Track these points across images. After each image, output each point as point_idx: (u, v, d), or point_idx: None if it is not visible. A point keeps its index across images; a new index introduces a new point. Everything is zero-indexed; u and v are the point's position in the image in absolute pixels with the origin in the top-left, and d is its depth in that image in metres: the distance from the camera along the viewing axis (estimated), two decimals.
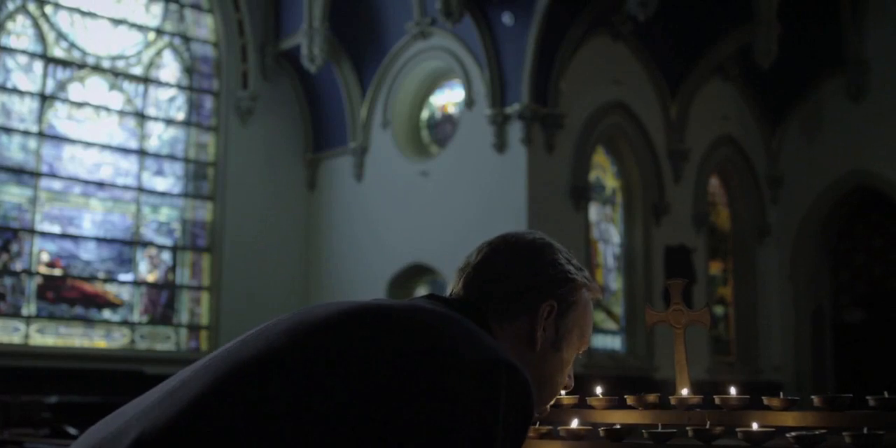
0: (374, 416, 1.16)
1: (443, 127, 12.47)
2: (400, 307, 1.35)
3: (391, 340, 1.25)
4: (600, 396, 1.68)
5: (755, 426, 1.46)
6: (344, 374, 1.20)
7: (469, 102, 11.65)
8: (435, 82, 12.54)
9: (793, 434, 1.41)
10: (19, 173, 11.35)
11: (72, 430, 6.63)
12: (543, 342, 1.47)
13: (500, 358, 1.25)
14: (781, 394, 1.47)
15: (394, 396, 1.17)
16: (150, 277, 12.25)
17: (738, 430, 1.45)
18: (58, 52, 11.81)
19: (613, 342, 12.22)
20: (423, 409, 1.17)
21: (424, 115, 12.74)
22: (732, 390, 1.54)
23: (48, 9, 11.78)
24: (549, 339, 1.48)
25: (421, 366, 1.21)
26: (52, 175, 11.56)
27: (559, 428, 1.66)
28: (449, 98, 12.50)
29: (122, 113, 12.24)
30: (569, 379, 1.57)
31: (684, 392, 1.59)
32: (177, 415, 1.17)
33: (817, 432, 1.43)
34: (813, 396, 1.44)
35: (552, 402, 1.56)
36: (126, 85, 12.31)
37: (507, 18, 11.14)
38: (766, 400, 1.48)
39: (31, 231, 11.33)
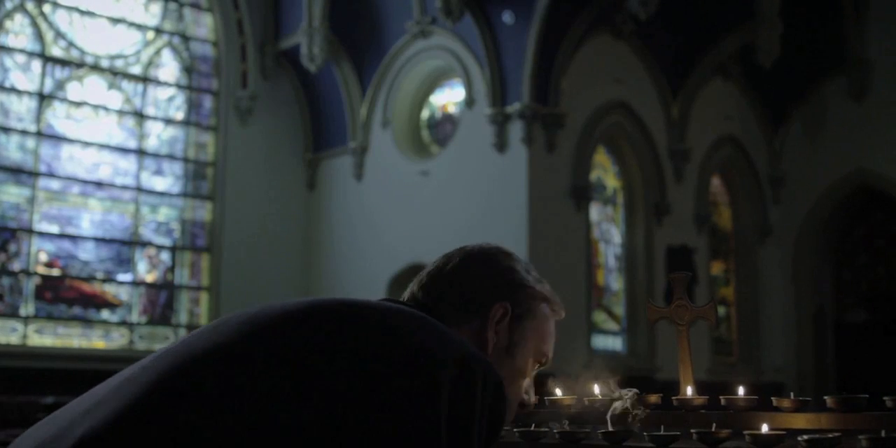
0: (340, 416, 1.11)
1: (443, 126, 12.42)
2: (364, 303, 1.33)
3: (359, 335, 1.22)
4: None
5: (765, 428, 1.38)
6: (307, 370, 1.16)
7: (469, 102, 11.59)
8: (435, 81, 12.49)
9: (805, 437, 1.34)
10: (17, 173, 11.28)
11: None
12: (495, 345, 1.45)
13: (473, 353, 1.24)
14: (792, 394, 1.39)
15: (364, 394, 1.13)
16: (149, 277, 12.19)
17: (745, 433, 1.37)
18: (56, 51, 11.75)
19: (614, 343, 12.15)
20: (394, 407, 1.13)
21: (425, 114, 12.68)
22: (740, 391, 1.47)
23: (46, 7, 11.73)
24: (502, 343, 1.46)
25: (390, 361, 1.17)
26: (51, 175, 11.50)
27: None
28: (449, 97, 12.44)
29: (120, 112, 12.17)
30: (527, 395, 1.53)
31: (689, 392, 1.52)
32: (123, 411, 1.12)
33: (831, 435, 1.34)
34: (826, 397, 1.37)
35: (511, 417, 1.52)
36: (125, 84, 12.24)
37: (507, 17, 11.09)
38: (775, 401, 1.40)
39: (30, 231, 11.27)
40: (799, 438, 1.33)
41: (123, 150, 12.14)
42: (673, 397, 1.57)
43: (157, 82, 12.53)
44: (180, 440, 1.08)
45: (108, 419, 1.11)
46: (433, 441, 1.13)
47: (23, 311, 11.11)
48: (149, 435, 1.09)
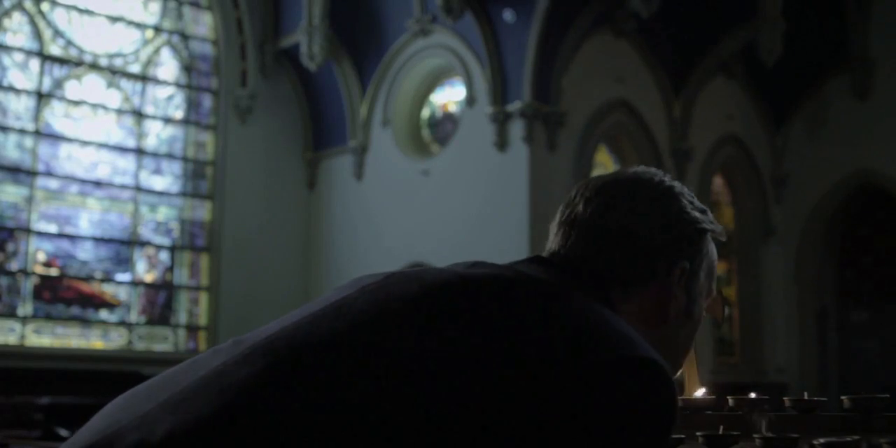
0: (494, 423, 0.93)
1: (443, 125, 12.36)
2: (515, 280, 1.09)
3: (517, 327, 1.01)
4: None
5: (774, 432, 1.31)
6: (455, 366, 0.96)
7: (470, 100, 11.54)
8: (435, 80, 12.43)
9: (821, 441, 1.24)
10: (15, 172, 11.23)
11: (63, 432, 6.51)
12: (675, 311, 1.23)
13: (646, 354, 1.02)
14: (805, 394, 1.31)
15: (524, 401, 0.95)
16: (148, 277, 12.12)
17: (755, 436, 1.29)
18: (54, 49, 11.69)
19: None
20: (563, 421, 0.95)
21: (425, 113, 12.62)
22: (752, 395, 1.38)
23: (45, 6, 11.67)
24: (681, 306, 1.24)
25: (557, 363, 0.97)
26: (49, 174, 11.45)
27: None
28: (450, 96, 12.38)
29: (119, 111, 12.12)
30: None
31: (700, 393, 1.43)
32: (226, 404, 0.93)
33: (850, 439, 1.25)
34: (843, 397, 1.28)
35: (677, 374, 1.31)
36: (124, 83, 12.19)
37: (508, 15, 11.03)
38: (787, 401, 1.31)
39: (28, 230, 11.22)
40: (814, 443, 1.23)
41: (122, 150, 12.08)
42: (679, 398, 1.48)
43: (157, 81, 12.48)
44: (294, 442, 0.91)
45: (206, 412, 0.93)
46: None
47: (21, 311, 11.05)
48: (258, 432, 0.91)
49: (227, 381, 0.97)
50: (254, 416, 0.92)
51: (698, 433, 1.39)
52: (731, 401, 1.38)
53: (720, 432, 1.35)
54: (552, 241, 1.27)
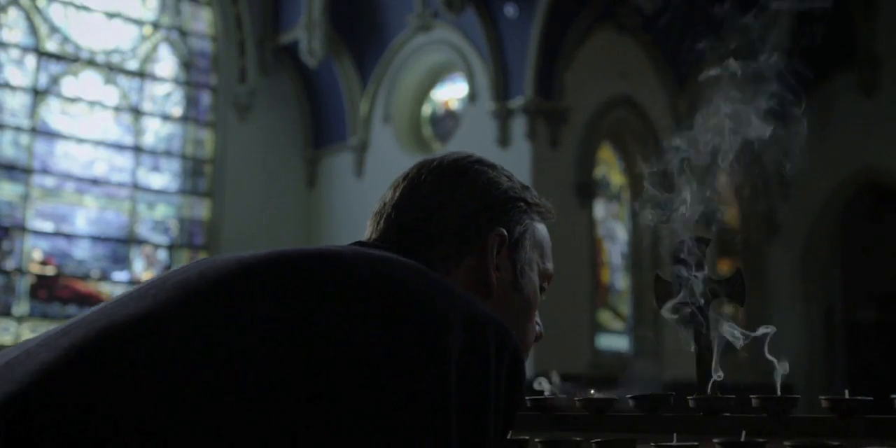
0: (325, 391, 0.89)
1: (445, 122, 12.25)
2: (339, 251, 1.06)
3: (343, 290, 0.98)
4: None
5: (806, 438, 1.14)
6: (279, 334, 0.92)
7: (471, 97, 11.45)
8: (437, 76, 12.32)
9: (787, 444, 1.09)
10: (11, 170, 11.13)
11: None
12: (500, 283, 1.19)
13: (481, 313, 1.00)
14: (847, 392, 1.14)
15: (354, 364, 0.91)
16: (146, 276, 11.98)
17: (786, 444, 1.13)
18: (51, 45, 11.57)
19: (620, 342, 11.94)
20: (393, 380, 0.91)
21: (426, 110, 12.51)
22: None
23: (41, 2, 11.55)
24: (507, 278, 1.20)
25: (385, 325, 0.94)
26: (45, 171, 11.34)
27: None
28: (451, 92, 12.28)
29: (117, 108, 12.01)
30: (538, 326, 1.28)
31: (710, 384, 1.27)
32: (17, 390, 0.89)
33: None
34: (821, 397, 1.13)
35: (527, 357, 1.23)
36: (121, 80, 12.07)
37: (510, 10, 10.92)
38: (824, 401, 1.14)
39: (23, 229, 11.11)
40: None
41: (119, 147, 11.98)
42: (688, 397, 1.32)
43: (154, 78, 12.37)
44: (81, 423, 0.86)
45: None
46: (441, 419, 0.91)
47: (16, 311, 10.95)
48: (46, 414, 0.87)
49: (29, 363, 0.93)
50: (44, 400, 0.88)
51: (715, 440, 1.24)
52: (754, 401, 1.22)
53: (742, 439, 1.19)
54: (366, 234, 1.26)
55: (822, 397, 1.15)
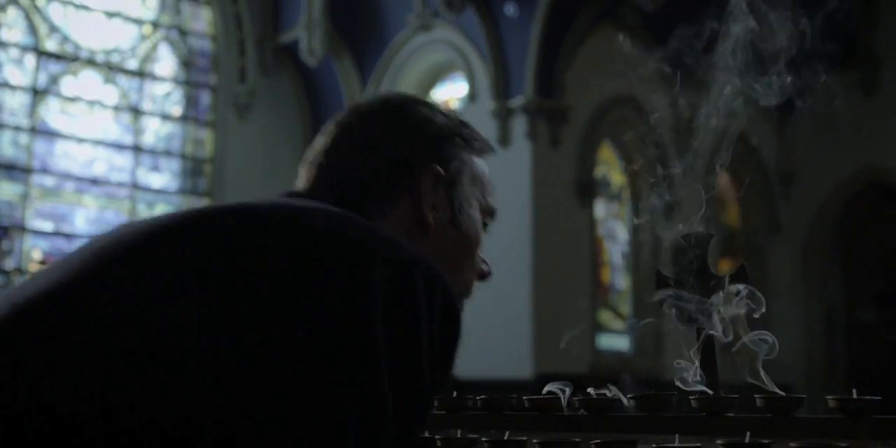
0: (250, 335, 0.88)
1: None
2: (256, 205, 1.05)
3: (263, 238, 0.96)
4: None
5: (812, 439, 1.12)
6: (206, 282, 0.91)
7: (472, 96, 11.44)
8: (437, 76, 12.31)
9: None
10: (10, 169, 11.11)
11: None
12: (438, 222, 1.16)
13: (408, 255, 0.98)
14: (854, 391, 1.11)
15: (279, 319, 0.89)
16: None
17: (792, 445, 1.10)
18: (50, 45, 11.55)
19: (620, 342, 11.92)
20: (314, 314, 0.90)
21: None
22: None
23: (40, 1, 11.53)
24: (444, 216, 1.17)
25: (302, 262, 0.93)
26: (45, 171, 11.32)
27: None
28: (451, 92, 12.27)
29: (116, 108, 11.99)
30: (485, 265, 1.25)
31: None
32: None
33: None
34: (827, 397, 1.10)
35: (469, 296, 1.23)
36: (121, 79, 12.04)
37: (510, 9, 10.91)
38: (831, 401, 1.11)
39: (23, 229, 11.09)
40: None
41: (119, 147, 11.96)
42: (691, 397, 1.30)
43: (154, 77, 12.35)
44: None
45: None
46: (370, 361, 0.90)
47: None
48: None
49: None
50: None
51: (719, 441, 1.21)
52: (759, 400, 1.19)
53: (747, 441, 1.17)
54: (298, 183, 1.23)
55: (830, 397, 1.12)
